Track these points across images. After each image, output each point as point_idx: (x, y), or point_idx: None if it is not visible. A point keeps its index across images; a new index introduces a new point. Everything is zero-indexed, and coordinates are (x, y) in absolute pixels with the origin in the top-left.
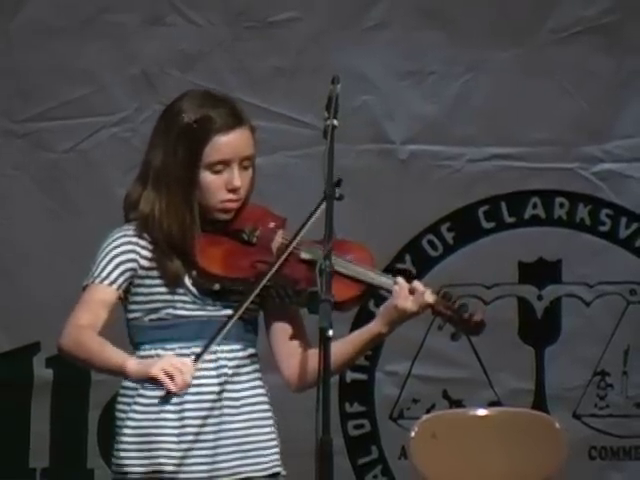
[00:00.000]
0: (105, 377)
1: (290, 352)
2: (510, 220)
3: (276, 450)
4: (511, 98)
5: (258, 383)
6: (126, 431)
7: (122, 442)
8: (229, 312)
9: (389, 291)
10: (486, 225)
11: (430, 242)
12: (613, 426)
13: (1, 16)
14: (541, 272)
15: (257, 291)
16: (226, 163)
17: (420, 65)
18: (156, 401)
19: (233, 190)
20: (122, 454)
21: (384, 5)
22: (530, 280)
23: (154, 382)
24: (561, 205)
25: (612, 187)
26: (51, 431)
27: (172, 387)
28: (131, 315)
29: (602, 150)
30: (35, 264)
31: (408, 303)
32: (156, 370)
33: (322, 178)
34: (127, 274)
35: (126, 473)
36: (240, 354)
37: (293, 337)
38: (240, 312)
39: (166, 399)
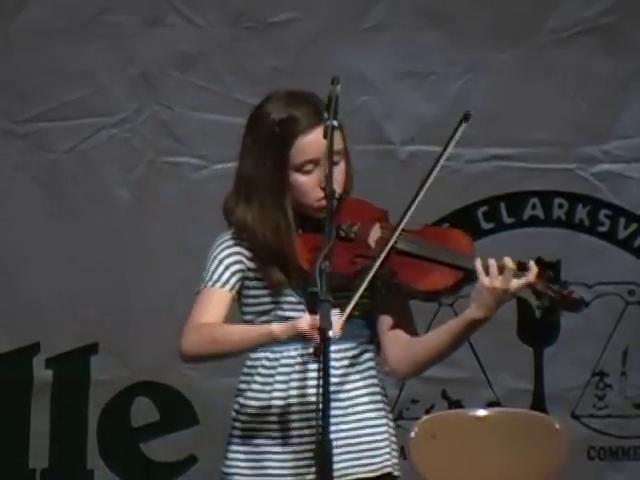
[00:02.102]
0: (105, 377)
1: (396, 341)
2: (509, 221)
3: (388, 450)
4: (510, 99)
5: (371, 382)
6: (235, 433)
7: (231, 443)
8: (336, 311)
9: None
10: (485, 226)
11: None
12: (612, 426)
13: (1, 17)
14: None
15: (366, 284)
16: (315, 162)
17: (420, 66)
18: (263, 403)
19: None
20: (230, 455)
21: (383, 6)
22: None
23: (303, 338)
24: (560, 206)
25: (611, 188)
26: (51, 432)
27: (316, 341)
28: (245, 317)
29: (601, 151)
30: (35, 264)
31: (497, 282)
32: (304, 325)
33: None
34: (238, 275)
35: (234, 474)
36: (351, 353)
37: (399, 326)
38: (362, 289)
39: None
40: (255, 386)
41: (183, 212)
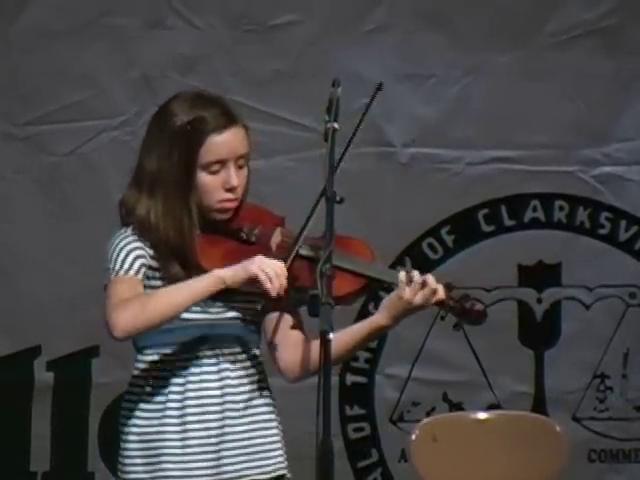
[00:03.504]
0: (106, 380)
1: (288, 342)
2: (510, 223)
3: (280, 452)
4: (511, 101)
5: (262, 385)
6: (130, 437)
7: (127, 449)
8: (233, 314)
9: (392, 285)
10: (486, 228)
11: (430, 245)
12: (613, 429)
13: (2, 19)
14: (541, 275)
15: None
16: (222, 163)
17: (420, 68)
18: (159, 407)
19: (231, 189)
20: (127, 460)
21: (384, 8)
22: (530, 283)
23: (251, 283)
24: (561, 208)
25: (612, 190)
26: (52, 434)
27: (271, 289)
28: None
29: (602, 153)
30: (36, 267)
31: (416, 296)
32: (256, 269)
33: (322, 181)
34: (144, 267)
35: None
36: (242, 356)
37: (291, 328)
38: (292, 256)
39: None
40: (149, 389)
41: None
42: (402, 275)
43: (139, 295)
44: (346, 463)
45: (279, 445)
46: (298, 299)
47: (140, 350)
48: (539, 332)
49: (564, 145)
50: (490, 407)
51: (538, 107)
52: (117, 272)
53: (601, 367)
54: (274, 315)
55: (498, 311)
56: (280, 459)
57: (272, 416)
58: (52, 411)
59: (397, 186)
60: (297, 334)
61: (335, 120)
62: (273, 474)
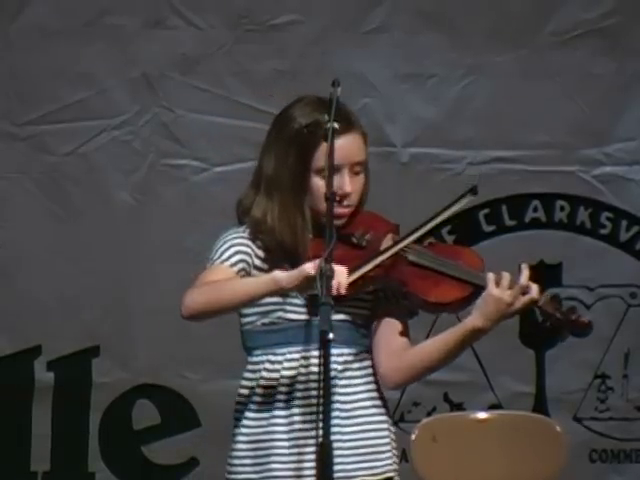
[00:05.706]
0: (106, 380)
1: (391, 349)
2: (511, 223)
3: (390, 455)
4: (512, 101)
5: (372, 387)
6: (239, 438)
7: (236, 449)
8: (342, 317)
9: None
10: (487, 228)
11: None
12: (614, 429)
13: (2, 19)
14: (541, 275)
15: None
16: (337, 168)
17: (421, 68)
18: (268, 407)
19: (344, 196)
20: (236, 461)
21: (385, 8)
22: None
23: (308, 286)
24: (562, 208)
25: (613, 190)
26: (52, 434)
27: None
28: (245, 320)
29: (603, 153)
30: (36, 267)
31: (506, 294)
32: (312, 269)
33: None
34: (243, 263)
35: None
36: (351, 358)
37: (395, 335)
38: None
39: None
40: (259, 390)
41: (184, 214)
42: (490, 275)
43: (215, 281)
44: None
45: (389, 447)
46: (404, 305)
47: (249, 351)
48: (540, 332)
49: (565, 145)
50: (491, 407)
51: (539, 107)
52: (214, 261)
53: (602, 367)
54: (378, 324)
55: None
56: (389, 461)
57: (383, 417)
58: (52, 411)
59: (398, 186)
60: (401, 341)
61: (335, 120)
62: (382, 476)
